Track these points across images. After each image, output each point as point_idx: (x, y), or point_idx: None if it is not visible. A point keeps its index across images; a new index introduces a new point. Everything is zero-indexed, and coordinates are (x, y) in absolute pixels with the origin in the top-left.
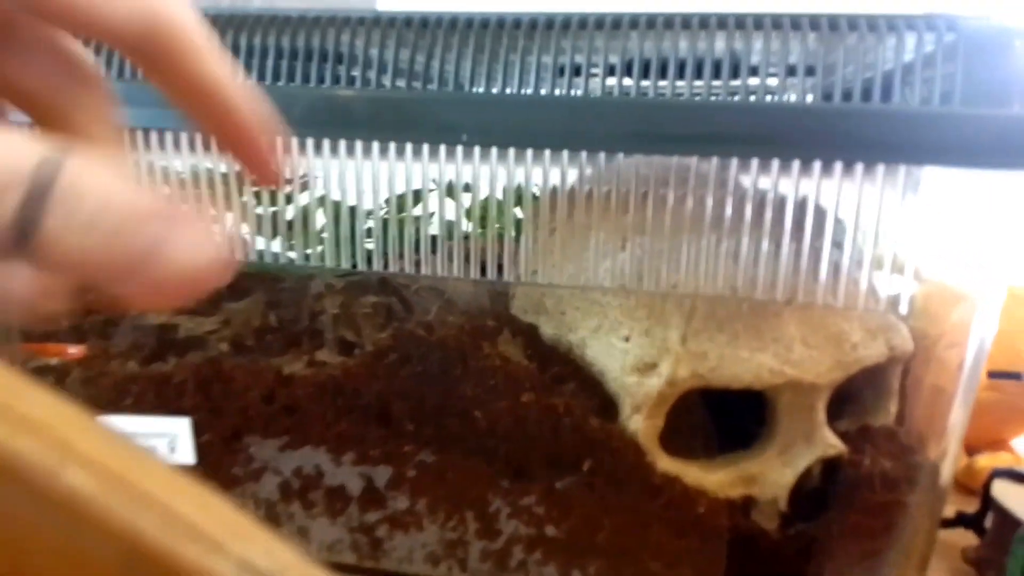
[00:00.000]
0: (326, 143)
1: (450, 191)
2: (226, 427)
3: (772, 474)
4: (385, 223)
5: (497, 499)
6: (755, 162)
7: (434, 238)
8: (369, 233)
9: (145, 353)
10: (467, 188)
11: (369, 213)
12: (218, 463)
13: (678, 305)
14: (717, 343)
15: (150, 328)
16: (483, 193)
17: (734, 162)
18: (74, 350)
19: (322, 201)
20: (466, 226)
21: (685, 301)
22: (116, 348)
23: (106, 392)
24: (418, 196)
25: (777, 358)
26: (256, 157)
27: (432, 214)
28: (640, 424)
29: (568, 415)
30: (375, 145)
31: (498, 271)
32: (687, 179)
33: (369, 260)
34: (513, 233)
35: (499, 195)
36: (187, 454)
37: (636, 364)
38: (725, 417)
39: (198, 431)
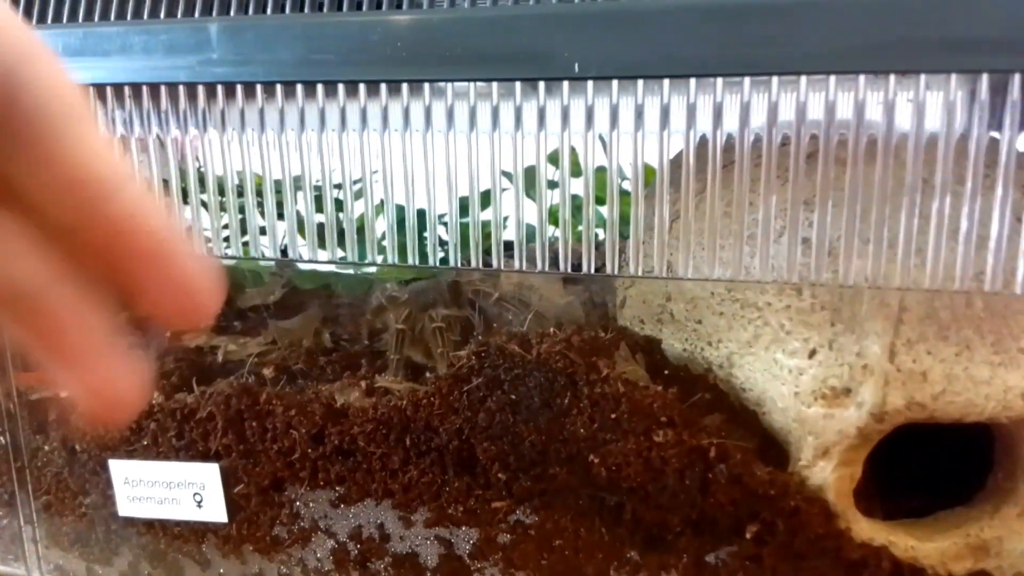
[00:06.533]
0: (377, 105)
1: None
2: (264, 475)
3: (1016, 541)
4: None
5: None
6: (1016, 81)
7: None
8: (441, 242)
9: (175, 381)
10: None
11: (442, 217)
12: (255, 520)
13: (880, 305)
14: (941, 358)
15: (186, 351)
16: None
17: (983, 83)
18: None
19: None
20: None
21: (889, 299)
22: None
23: (118, 430)
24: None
25: None
26: (167, 279)
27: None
28: (828, 474)
29: (722, 461)
30: (447, 94)
31: (596, 268)
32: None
33: (443, 260)
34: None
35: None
36: (217, 508)
37: (819, 390)
38: (908, 452)
39: (230, 480)
